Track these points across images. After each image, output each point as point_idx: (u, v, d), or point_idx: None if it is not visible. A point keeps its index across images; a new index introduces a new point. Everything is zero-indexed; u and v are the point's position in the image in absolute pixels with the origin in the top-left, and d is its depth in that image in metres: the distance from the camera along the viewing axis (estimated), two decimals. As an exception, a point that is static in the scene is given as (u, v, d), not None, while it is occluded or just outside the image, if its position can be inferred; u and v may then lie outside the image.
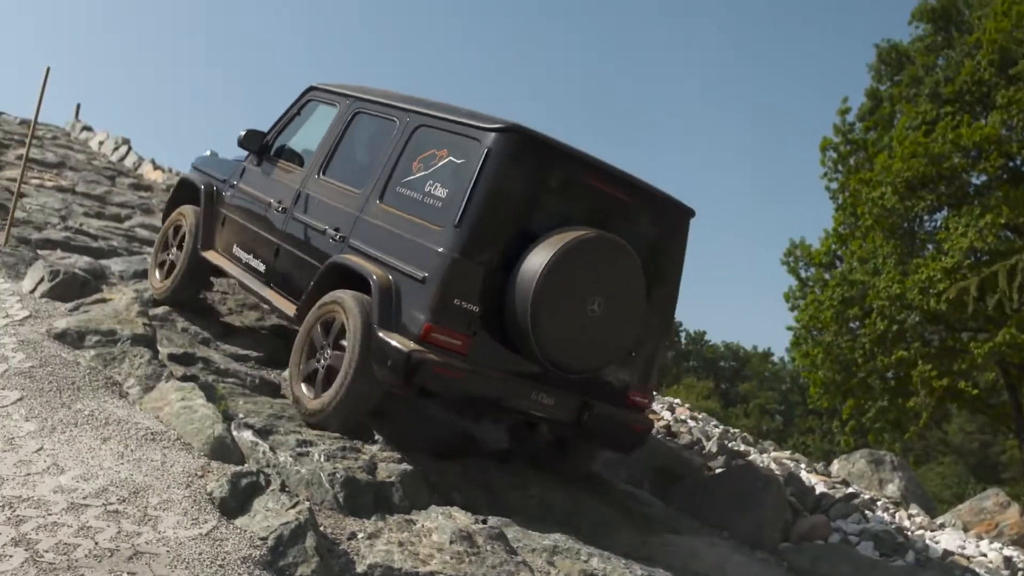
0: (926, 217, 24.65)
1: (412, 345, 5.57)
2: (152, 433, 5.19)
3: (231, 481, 4.63)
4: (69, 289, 7.78)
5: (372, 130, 7.01)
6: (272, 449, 5.37)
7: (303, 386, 6.24)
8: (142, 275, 9.16)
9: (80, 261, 8.99)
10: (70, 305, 7.46)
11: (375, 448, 5.91)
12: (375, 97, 7.11)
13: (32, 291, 7.75)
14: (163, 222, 8.84)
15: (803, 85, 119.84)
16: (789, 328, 26.89)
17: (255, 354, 7.70)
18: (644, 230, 6.39)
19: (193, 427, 5.33)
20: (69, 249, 9.69)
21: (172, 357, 6.83)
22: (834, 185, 27.64)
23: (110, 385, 5.93)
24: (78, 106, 23.54)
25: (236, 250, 7.69)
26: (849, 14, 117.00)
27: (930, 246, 23.70)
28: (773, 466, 8.50)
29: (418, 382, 5.56)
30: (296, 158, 7.65)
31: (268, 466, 5.17)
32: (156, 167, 19.81)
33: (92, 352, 6.40)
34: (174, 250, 8.25)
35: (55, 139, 19.55)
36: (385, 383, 5.78)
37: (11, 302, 7.34)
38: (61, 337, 6.57)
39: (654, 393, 7.01)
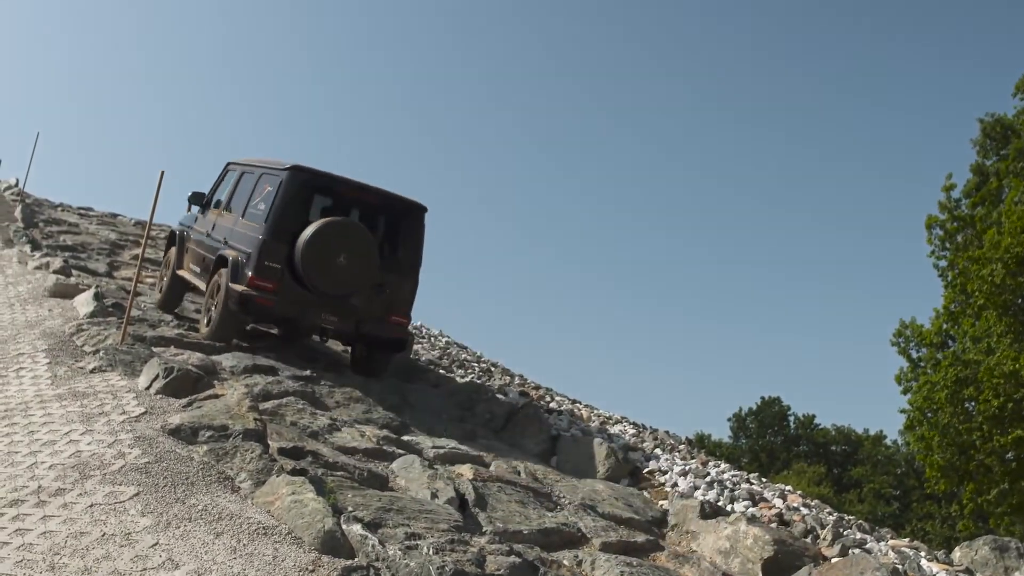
0: (1040, 293, 23.81)
1: (245, 288, 9.84)
2: (264, 527, 5.24)
3: (341, 576, 4.64)
4: (183, 385, 7.98)
5: (248, 181, 11.20)
6: (381, 543, 5.36)
7: (203, 322, 10.77)
8: (253, 370, 9.34)
9: (193, 357, 9.21)
10: (184, 401, 7.64)
11: (483, 540, 5.87)
12: (251, 162, 11.44)
13: (147, 388, 7.96)
14: (164, 258, 13.56)
15: (904, 161, 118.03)
16: (902, 411, 26.05)
17: (361, 448, 7.75)
18: (387, 218, 10.78)
19: (303, 521, 5.37)
20: (182, 346, 9.94)
21: (282, 451, 6.91)
22: (942, 263, 26.93)
23: (222, 480, 6.02)
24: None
25: (191, 264, 11.98)
26: (948, 90, 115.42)
27: (1046, 322, 22.86)
28: (892, 555, 8.20)
29: (249, 309, 9.92)
30: (218, 205, 11.81)
31: (377, 560, 5.16)
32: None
33: (205, 447, 6.52)
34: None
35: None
36: (235, 313, 9.99)
37: (128, 399, 7.54)
38: (175, 433, 6.72)
39: (410, 317, 10.88)
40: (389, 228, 10.69)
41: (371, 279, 10.09)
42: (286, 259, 9.87)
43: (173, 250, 12.65)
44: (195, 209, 12.80)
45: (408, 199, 10.69)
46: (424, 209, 10.73)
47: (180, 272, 12.17)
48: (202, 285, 11.10)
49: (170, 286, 12.42)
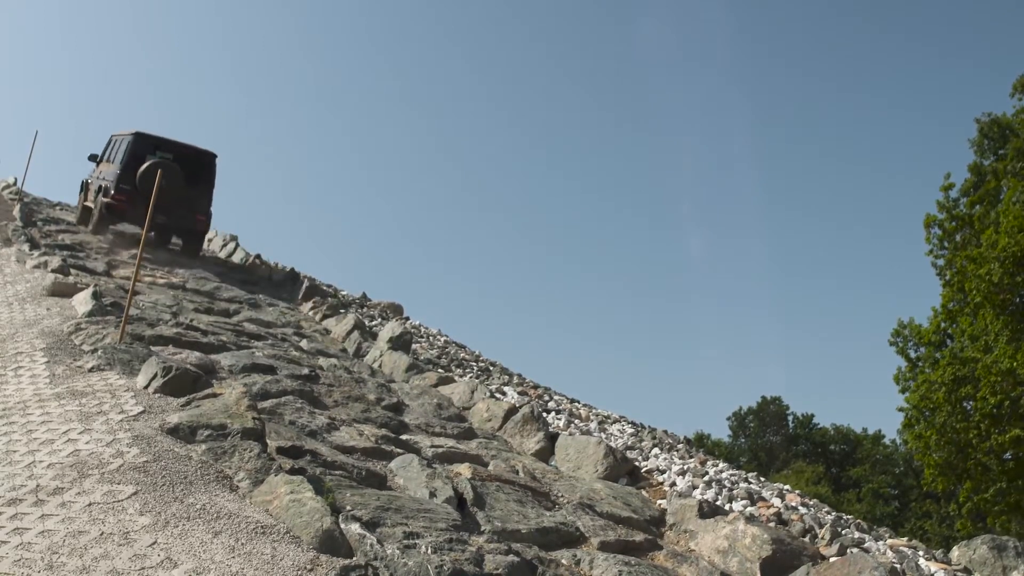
0: (1037, 292, 23.74)
1: (110, 200, 17.79)
2: (262, 527, 5.24)
3: (339, 575, 4.63)
4: (181, 384, 7.97)
5: (116, 143, 18.80)
6: (380, 542, 5.36)
7: (90, 222, 19.20)
8: (251, 369, 9.35)
9: (191, 356, 9.21)
10: (182, 400, 7.63)
11: (482, 539, 5.88)
12: (120, 133, 18.65)
13: (146, 387, 7.96)
14: (79, 196, 21.51)
15: (903, 161, 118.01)
16: (900, 409, 26.01)
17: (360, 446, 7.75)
18: (191, 161, 18.11)
19: (302, 520, 5.37)
20: (180, 345, 9.93)
21: (280, 450, 6.91)
22: (940, 262, 26.90)
23: (221, 479, 6.02)
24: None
25: (90, 199, 19.66)
26: (947, 90, 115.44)
27: (1043, 321, 22.80)
28: (890, 554, 8.21)
29: (113, 212, 18.03)
30: (104, 161, 19.08)
31: (376, 559, 5.15)
32: (262, 262, 20.33)
33: (203, 446, 6.51)
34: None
35: (166, 238, 20.20)
36: (106, 215, 18.21)
37: (126, 398, 7.54)
38: (174, 432, 6.71)
39: (209, 214, 18.61)
40: (194, 166, 18.05)
41: (179, 195, 16.90)
42: (132, 184, 16.99)
43: (82, 192, 20.74)
44: (93, 165, 20.36)
45: (204, 150, 18.67)
46: (214, 156, 18.68)
47: (86, 203, 20.09)
48: (91, 205, 19.07)
49: (82, 211, 20.51)
